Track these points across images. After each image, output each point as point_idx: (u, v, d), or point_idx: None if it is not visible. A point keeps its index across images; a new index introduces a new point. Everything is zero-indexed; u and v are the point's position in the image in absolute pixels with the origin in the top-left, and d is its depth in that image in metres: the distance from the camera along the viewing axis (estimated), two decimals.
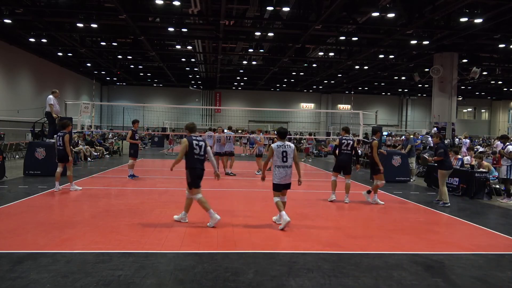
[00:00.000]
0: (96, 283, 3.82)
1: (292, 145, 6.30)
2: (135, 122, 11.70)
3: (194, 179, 6.08)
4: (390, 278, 4.20)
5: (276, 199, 6.29)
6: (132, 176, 11.47)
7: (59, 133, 9.23)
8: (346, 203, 8.56)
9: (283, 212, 6.11)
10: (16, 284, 3.76)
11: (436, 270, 4.52)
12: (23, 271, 4.07)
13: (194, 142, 6.07)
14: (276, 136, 6.59)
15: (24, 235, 5.37)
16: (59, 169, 9.16)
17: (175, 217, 6.47)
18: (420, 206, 8.61)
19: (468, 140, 19.48)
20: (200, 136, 6.47)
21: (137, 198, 8.46)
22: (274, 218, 6.54)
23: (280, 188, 6.29)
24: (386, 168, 12.49)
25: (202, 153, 6.10)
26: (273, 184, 6.33)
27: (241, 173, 13.53)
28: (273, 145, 6.27)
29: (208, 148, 6.27)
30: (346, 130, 9.05)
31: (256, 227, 6.22)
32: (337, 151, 8.85)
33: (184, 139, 6.16)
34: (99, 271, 4.10)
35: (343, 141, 8.69)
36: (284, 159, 6.17)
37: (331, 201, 8.68)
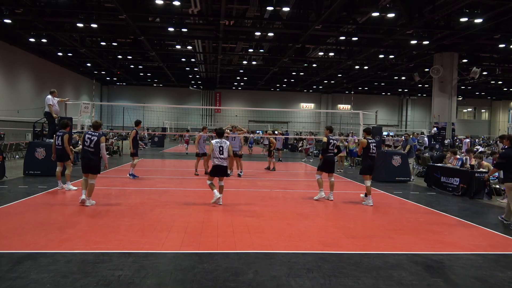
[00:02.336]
0: (96, 283, 3.82)
1: (228, 142, 7.91)
2: (139, 123, 11.81)
3: (82, 165, 7.57)
4: (390, 278, 4.20)
5: (209, 182, 7.89)
6: (133, 175, 11.49)
7: (58, 133, 9.29)
8: (331, 200, 8.64)
9: (216, 191, 7.83)
10: (16, 284, 3.76)
11: (436, 270, 4.52)
12: (23, 271, 4.06)
13: (87, 136, 7.43)
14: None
15: (24, 235, 5.37)
16: (58, 169, 9.32)
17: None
18: (420, 206, 8.60)
19: (468, 140, 19.47)
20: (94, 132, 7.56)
21: (137, 198, 8.46)
22: (212, 201, 7.86)
23: (216, 174, 7.82)
24: (386, 168, 12.59)
25: (92, 145, 7.37)
26: (210, 170, 7.96)
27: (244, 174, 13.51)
28: (212, 141, 7.84)
29: (102, 144, 7.45)
30: (330, 130, 9.01)
31: (256, 227, 6.22)
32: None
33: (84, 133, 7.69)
34: (99, 271, 4.10)
35: (330, 141, 8.67)
36: (220, 152, 7.73)
37: (317, 199, 8.67)
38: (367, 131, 9.03)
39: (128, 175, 11.47)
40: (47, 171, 11.03)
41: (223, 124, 41.50)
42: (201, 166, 12.96)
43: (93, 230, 5.71)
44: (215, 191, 7.84)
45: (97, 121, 7.75)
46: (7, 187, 9.38)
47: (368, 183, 8.52)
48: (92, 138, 7.37)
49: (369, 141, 8.60)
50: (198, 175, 12.64)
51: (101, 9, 18.75)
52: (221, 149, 7.77)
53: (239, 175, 12.64)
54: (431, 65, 24.46)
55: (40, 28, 21.73)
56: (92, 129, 7.58)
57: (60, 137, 9.10)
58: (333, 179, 8.82)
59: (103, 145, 7.44)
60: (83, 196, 7.41)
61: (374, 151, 8.65)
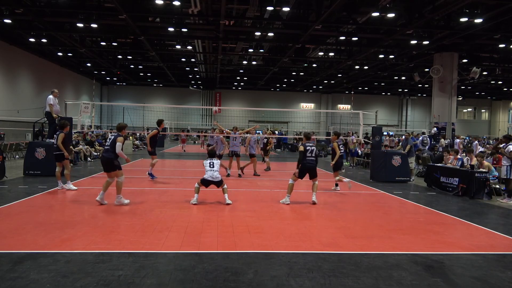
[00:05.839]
0: (96, 283, 3.82)
1: (219, 161, 8.40)
2: (161, 122, 11.75)
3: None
4: (390, 278, 4.19)
5: (196, 185, 8.13)
6: (151, 175, 11.49)
7: (56, 133, 9.32)
8: (315, 202, 8.27)
9: (197, 195, 8.06)
10: (16, 284, 3.76)
11: (436, 270, 4.52)
12: (23, 271, 4.07)
13: (109, 136, 7.96)
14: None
15: (24, 235, 5.37)
16: (58, 169, 9.32)
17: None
18: (420, 206, 8.60)
19: (459, 141, 19.43)
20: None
21: (137, 198, 8.45)
22: (191, 202, 8.04)
23: (207, 184, 8.07)
24: (386, 168, 12.59)
25: (109, 144, 7.76)
26: (201, 179, 8.09)
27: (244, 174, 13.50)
28: (204, 161, 8.28)
29: (118, 143, 7.60)
30: (307, 137, 8.80)
31: (256, 227, 6.22)
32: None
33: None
34: (99, 271, 4.10)
35: (307, 148, 8.36)
36: (211, 166, 8.13)
37: (283, 203, 8.24)
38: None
39: (147, 174, 11.55)
40: (47, 171, 11.03)
41: (223, 124, 41.43)
42: (250, 168, 13.31)
43: (93, 230, 5.71)
44: (196, 195, 8.07)
45: (120, 123, 8.15)
46: (7, 187, 9.38)
47: None
48: (111, 137, 7.87)
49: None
50: (244, 174, 12.99)
51: (101, 9, 18.75)
52: (211, 164, 8.12)
53: (239, 176, 12.64)
54: (431, 65, 24.45)
55: (40, 28, 21.73)
56: (116, 131, 8.11)
57: (57, 137, 9.12)
58: (316, 182, 8.56)
59: (119, 144, 7.65)
60: (98, 197, 7.62)
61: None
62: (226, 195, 8.15)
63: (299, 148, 8.54)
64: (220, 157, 12.02)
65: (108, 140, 7.96)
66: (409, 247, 5.35)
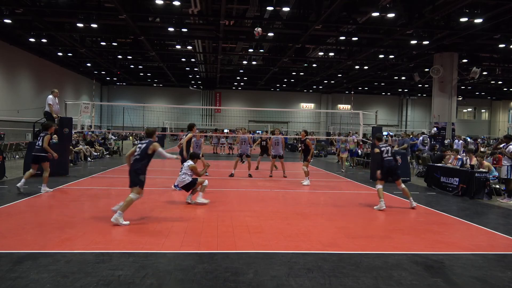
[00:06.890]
0: (96, 283, 3.82)
1: (190, 162, 7.99)
2: (193, 126, 10.45)
3: None
4: (390, 278, 4.19)
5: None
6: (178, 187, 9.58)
7: (40, 134, 9.02)
8: (414, 207, 8.14)
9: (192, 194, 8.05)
10: (16, 284, 3.76)
11: (436, 270, 4.52)
12: (23, 271, 4.06)
13: (138, 145, 6.50)
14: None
15: (24, 235, 5.37)
16: (32, 171, 8.91)
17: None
18: (420, 206, 8.59)
19: (461, 141, 19.42)
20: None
21: None
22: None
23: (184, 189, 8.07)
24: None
25: (139, 153, 6.34)
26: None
27: (241, 174, 13.52)
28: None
29: (160, 150, 6.40)
30: (379, 139, 8.83)
31: (256, 227, 6.22)
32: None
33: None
34: (99, 271, 4.10)
35: (382, 149, 8.38)
36: (180, 172, 8.02)
37: (381, 209, 7.93)
38: None
39: (173, 186, 9.83)
40: None
41: (223, 124, 41.42)
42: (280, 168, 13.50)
43: (93, 230, 5.71)
44: (189, 195, 8.10)
45: (149, 128, 6.79)
46: (7, 187, 9.39)
47: None
48: (140, 146, 6.42)
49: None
50: (271, 176, 13.05)
51: (101, 9, 18.75)
52: (181, 168, 8.05)
53: (249, 176, 12.71)
54: (431, 65, 24.45)
55: (40, 28, 21.73)
56: (145, 137, 6.69)
57: (41, 138, 8.84)
58: (403, 185, 8.40)
59: (160, 150, 6.37)
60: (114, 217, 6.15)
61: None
62: (200, 193, 7.87)
63: (375, 150, 8.55)
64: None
65: (137, 149, 6.38)
66: (409, 247, 5.35)
